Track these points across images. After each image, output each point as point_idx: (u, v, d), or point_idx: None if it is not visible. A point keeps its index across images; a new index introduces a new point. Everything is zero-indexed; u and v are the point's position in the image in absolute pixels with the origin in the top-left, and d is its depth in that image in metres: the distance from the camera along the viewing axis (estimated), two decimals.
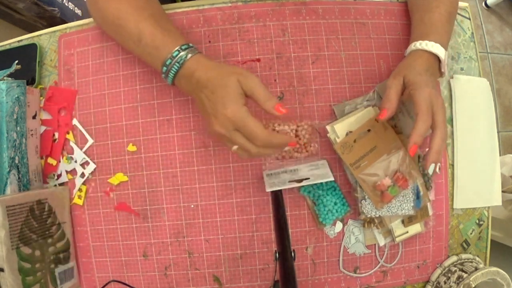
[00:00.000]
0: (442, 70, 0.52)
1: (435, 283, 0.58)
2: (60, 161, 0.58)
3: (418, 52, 0.50)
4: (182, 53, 0.45)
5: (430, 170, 0.45)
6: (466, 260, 0.59)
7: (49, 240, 0.52)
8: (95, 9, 0.53)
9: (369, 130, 0.53)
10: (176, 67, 0.45)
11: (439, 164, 0.45)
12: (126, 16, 0.48)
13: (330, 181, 0.56)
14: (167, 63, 0.46)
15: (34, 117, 0.57)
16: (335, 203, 0.56)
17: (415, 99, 0.45)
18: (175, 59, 0.45)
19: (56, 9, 0.98)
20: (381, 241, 0.57)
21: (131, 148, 0.57)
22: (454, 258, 0.59)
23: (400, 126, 0.56)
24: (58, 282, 0.52)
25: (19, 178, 0.53)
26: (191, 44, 0.47)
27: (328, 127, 0.54)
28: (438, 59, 0.50)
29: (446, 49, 0.51)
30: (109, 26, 0.52)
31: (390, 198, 0.52)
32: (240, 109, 0.42)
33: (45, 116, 0.58)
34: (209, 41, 0.58)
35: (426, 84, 0.46)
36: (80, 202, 0.57)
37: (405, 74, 0.47)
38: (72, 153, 0.58)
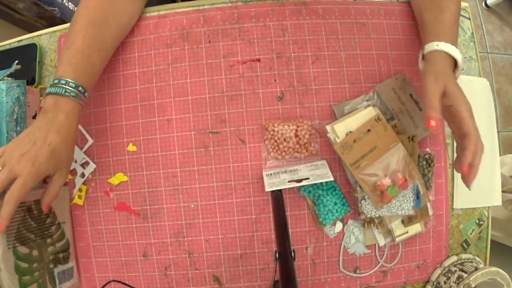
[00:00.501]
0: (457, 76, 0.51)
1: (435, 283, 0.58)
2: None
3: (441, 55, 0.49)
4: (72, 88, 0.47)
5: (471, 186, 0.47)
6: (466, 260, 0.59)
7: (48, 240, 0.52)
8: None
9: (369, 130, 0.53)
10: (59, 90, 0.46)
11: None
12: (78, 25, 0.51)
13: (330, 181, 0.55)
14: (62, 82, 0.47)
15: (34, 117, 0.57)
16: (335, 203, 0.56)
17: (463, 115, 0.46)
18: (67, 84, 0.47)
19: (56, 9, 0.98)
20: (381, 241, 0.57)
21: (131, 148, 0.57)
22: (454, 258, 0.59)
23: (400, 126, 0.56)
24: (57, 282, 0.52)
25: None
26: (86, 94, 0.49)
27: (328, 127, 0.54)
28: (454, 61, 0.50)
29: None
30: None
31: (390, 198, 0.52)
32: (31, 169, 0.42)
33: None
34: (209, 41, 0.58)
35: (465, 96, 0.47)
36: (80, 202, 0.57)
37: (445, 82, 0.47)
38: None
